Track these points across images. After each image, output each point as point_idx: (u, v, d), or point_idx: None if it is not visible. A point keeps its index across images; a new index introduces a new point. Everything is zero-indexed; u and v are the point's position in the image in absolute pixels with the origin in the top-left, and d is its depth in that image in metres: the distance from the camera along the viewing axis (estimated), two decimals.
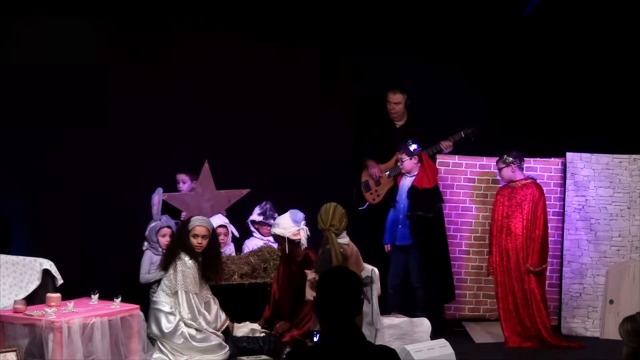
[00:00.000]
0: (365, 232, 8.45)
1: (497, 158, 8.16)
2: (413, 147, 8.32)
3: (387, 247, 8.46)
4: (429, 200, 8.26)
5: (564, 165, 8.56)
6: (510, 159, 8.03)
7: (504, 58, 9.13)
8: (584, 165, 8.51)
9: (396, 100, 8.83)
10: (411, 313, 8.08)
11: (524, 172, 8.18)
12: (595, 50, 9.04)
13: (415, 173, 8.34)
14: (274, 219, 8.11)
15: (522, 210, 7.99)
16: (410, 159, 8.30)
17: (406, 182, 8.39)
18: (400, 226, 8.33)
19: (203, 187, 8.21)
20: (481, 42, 9.11)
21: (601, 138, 8.65)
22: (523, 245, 7.95)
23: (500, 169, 8.12)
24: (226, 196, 8.34)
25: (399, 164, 8.41)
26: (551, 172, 8.65)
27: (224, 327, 7.43)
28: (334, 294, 3.54)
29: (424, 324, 7.54)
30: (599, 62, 9.05)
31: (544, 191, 8.15)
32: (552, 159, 8.66)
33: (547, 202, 8.36)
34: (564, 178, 8.56)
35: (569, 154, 8.53)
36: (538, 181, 8.30)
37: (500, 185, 8.30)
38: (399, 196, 8.38)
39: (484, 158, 8.61)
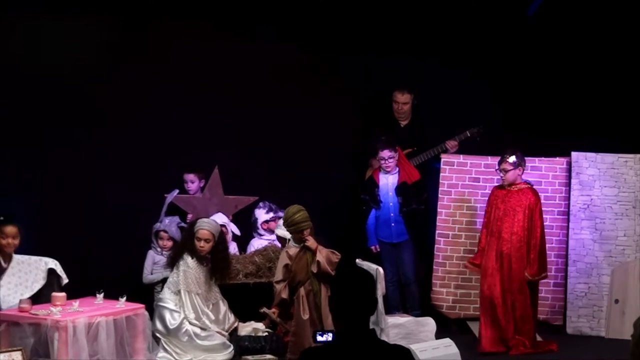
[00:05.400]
0: (362, 232, 8.57)
1: (500, 158, 7.84)
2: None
3: (376, 248, 8.51)
4: (419, 192, 8.40)
5: (569, 164, 8.53)
6: (519, 160, 7.84)
7: (509, 57, 9.13)
8: (589, 165, 8.48)
9: (404, 101, 8.83)
10: (405, 310, 8.16)
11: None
12: (600, 49, 9.03)
13: (396, 170, 8.37)
14: (281, 210, 8.15)
15: (515, 216, 7.71)
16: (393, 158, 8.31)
17: (389, 181, 8.40)
18: (393, 224, 8.39)
19: (212, 192, 8.28)
20: (486, 42, 9.11)
21: (606, 137, 8.64)
22: (512, 250, 7.73)
23: (507, 171, 7.75)
24: (234, 202, 8.41)
25: (382, 163, 8.34)
26: (556, 172, 8.61)
27: (232, 329, 7.43)
28: (349, 293, 3.55)
29: (429, 324, 7.58)
30: (603, 61, 9.04)
31: (541, 196, 7.92)
32: (557, 159, 8.61)
33: (552, 202, 8.36)
34: (569, 177, 8.52)
35: (574, 154, 8.50)
36: (543, 181, 8.28)
37: (495, 185, 8.05)
38: (383, 196, 8.40)
39: (489, 157, 8.56)
